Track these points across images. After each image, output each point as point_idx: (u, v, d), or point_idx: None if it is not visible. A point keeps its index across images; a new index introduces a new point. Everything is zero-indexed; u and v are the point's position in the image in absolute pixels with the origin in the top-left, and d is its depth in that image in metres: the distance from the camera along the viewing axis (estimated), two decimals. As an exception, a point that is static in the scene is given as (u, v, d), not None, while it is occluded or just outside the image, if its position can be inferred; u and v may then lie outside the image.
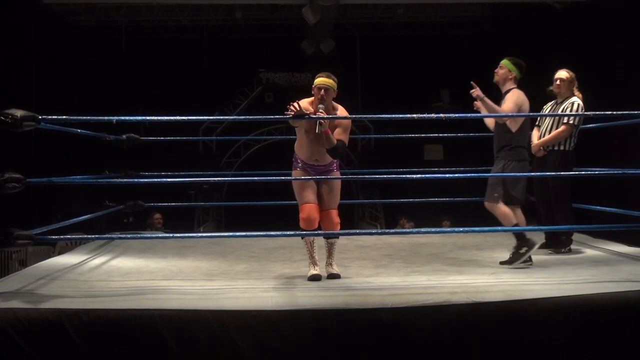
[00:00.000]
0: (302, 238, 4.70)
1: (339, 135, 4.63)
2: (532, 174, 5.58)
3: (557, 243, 5.60)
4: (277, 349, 3.80)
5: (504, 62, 5.23)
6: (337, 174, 4.81)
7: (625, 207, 5.39)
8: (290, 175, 4.84)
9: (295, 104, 4.41)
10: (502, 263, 5.00)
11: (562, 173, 5.47)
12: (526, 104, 5.15)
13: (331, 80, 4.62)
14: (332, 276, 4.62)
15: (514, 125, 5.11)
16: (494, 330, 3.87)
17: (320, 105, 4.57)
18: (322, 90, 4.58)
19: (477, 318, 3.86)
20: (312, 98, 4.67)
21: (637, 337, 3.93)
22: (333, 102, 4.69)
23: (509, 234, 5.21)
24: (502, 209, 5.07)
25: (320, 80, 4.61)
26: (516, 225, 5.06)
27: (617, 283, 4.23)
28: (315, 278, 4.53)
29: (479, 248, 5.90)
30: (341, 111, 4.71)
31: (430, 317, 3.85)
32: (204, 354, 3.76)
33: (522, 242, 4.94)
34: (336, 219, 4.72)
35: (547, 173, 5.59)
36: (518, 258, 4.91)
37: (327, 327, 3.82)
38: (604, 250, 5.62)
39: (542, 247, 5.39)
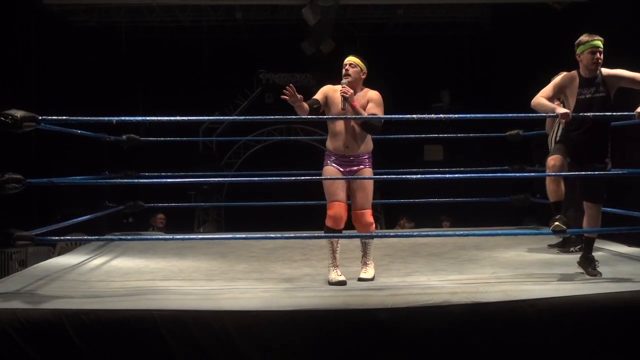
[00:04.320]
0: (328, 239, 4.55)
1: (373, 109, 4.59)
2: (533, 174, 5.57)
3: (566, 242, 5.56)
4: (277, 349, 3.80)
5: None
6: (369, 170, 4.63)
7: (626, 207, 5.39)
8: (303, 175, 4.77)
9: (289, 88, 4.33)
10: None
11: (562, 173, 5.46)
12: None
13: (357, 59, 4.64)
14: (362, 280, 4.51)
15: None
16: (493, 331, 3.87)
17: (344, 81, 4.58)
18: (347, 65, 4.60)
19: (477, 318, 3.86)
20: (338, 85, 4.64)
21: (637, 338, 3.93)
22: (363, 86, 4.69)
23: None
24: None
25: (347, 58, 4.63)
26: None
27: (617, 283, 4.24)
28: (340, 283, 4.39)
29: (478, 248, 5.90)
30: (372, 93, 4.67)
31: (430, 317, 3.85)
32: (204, 354, 3.76)
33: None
34: (369, 219, 4.56)
35: (546, 173, 5.58)
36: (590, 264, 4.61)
37: (327, 328, 3.82)
38: (604, 250, 5.60)
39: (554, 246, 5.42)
